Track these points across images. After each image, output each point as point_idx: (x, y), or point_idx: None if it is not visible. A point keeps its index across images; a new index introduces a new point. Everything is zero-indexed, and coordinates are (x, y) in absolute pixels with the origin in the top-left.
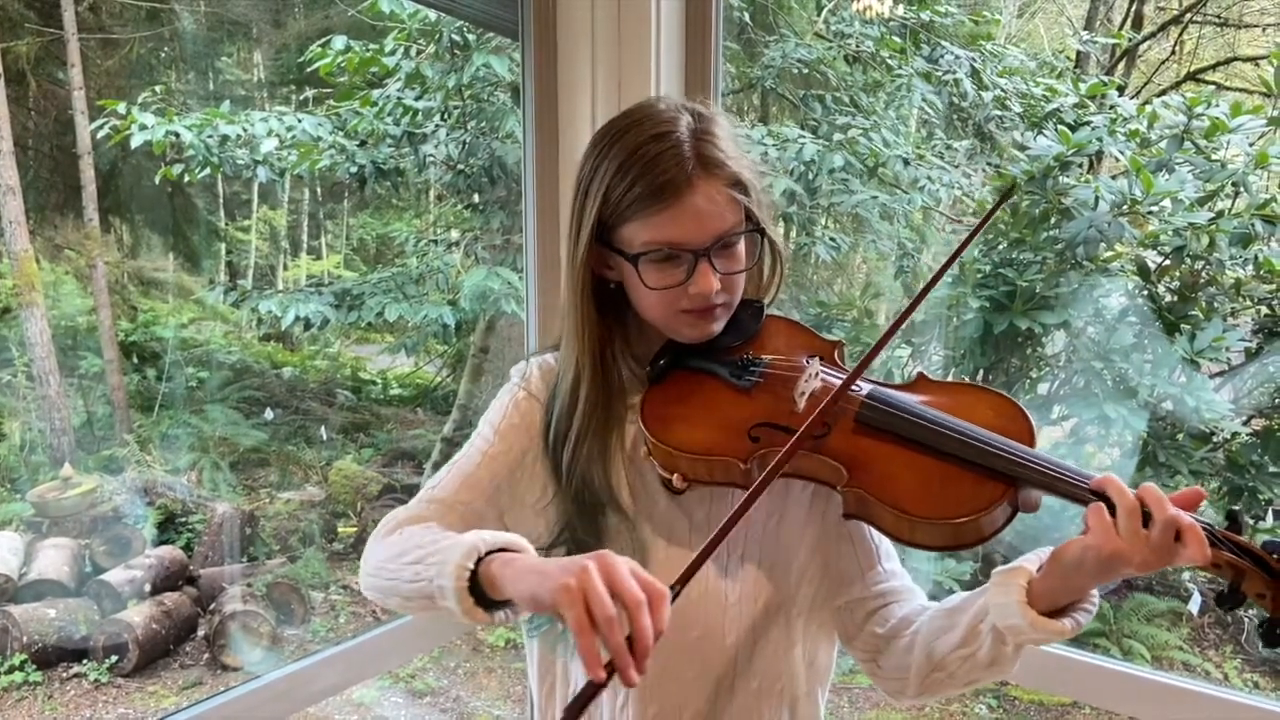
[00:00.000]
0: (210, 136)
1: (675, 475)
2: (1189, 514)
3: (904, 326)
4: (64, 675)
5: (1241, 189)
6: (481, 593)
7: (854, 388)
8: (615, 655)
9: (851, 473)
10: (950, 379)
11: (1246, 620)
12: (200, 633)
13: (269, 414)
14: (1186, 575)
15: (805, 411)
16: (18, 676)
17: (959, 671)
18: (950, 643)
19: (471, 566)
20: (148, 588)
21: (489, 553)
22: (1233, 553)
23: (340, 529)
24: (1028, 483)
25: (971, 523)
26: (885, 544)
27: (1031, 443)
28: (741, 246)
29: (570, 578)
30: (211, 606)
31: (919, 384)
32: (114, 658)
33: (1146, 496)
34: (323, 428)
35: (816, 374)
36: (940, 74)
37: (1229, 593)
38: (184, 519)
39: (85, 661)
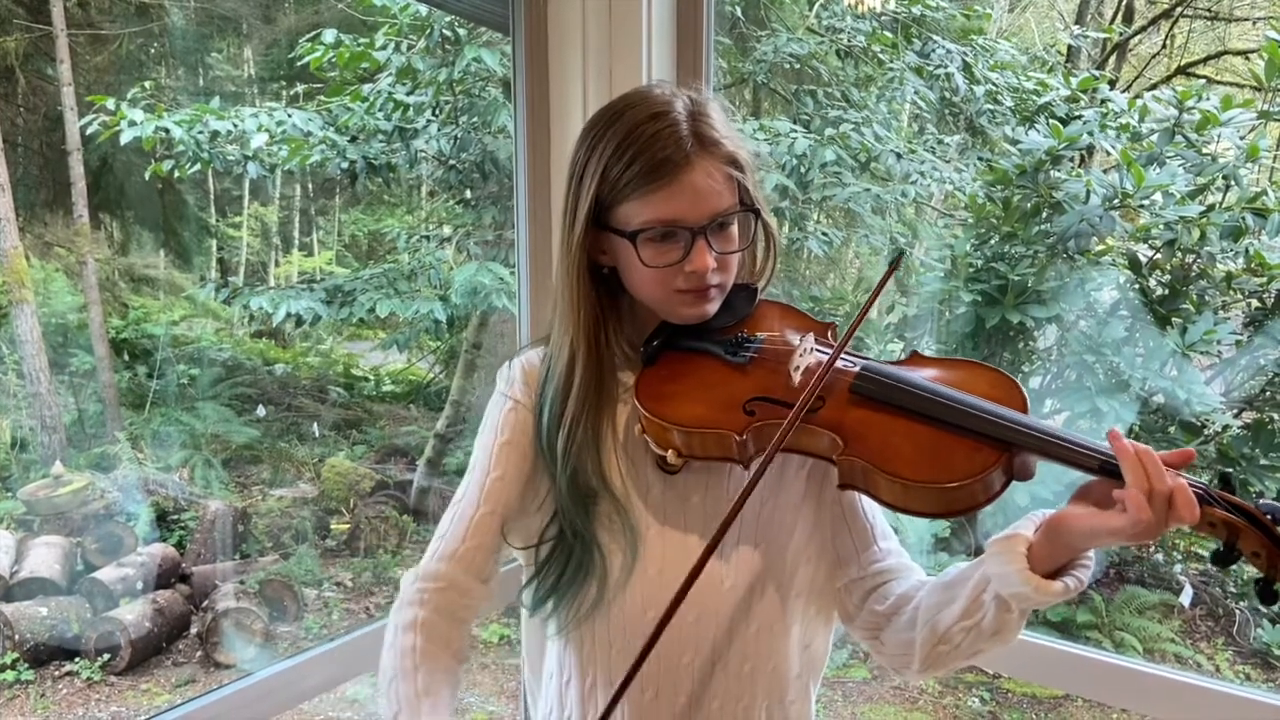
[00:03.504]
0: (200, 132)
1: (670, 451)
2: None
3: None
4: (56, 674)
5: (1232, 182)
6: None
7: (848, 362)
8: None
9: (847, 443)
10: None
11: (1237, 612)
12: (193, 630)
13: (261, 411)
14: (1178, 568)
15: (801, 385)
16: (9, 675)
17: (964, 643)
18: (953, 615)
19: None
20: (140, 585)
21: None
22: (1228, 510)
23: (333, 526)
24: (1023, 448)
25: (966, 488)
26: (881, 522)
27: (1025, 412)
28: (736, 227)
29: None
30: (204, 604)
31: (913, 360)
32: (106, 656)
33: (1149, 467)
34: (315, 424)
35: (810, 349)
36: (932, 68)
37: (1224, 551)
38: (176, 516)
39: (77, 660)
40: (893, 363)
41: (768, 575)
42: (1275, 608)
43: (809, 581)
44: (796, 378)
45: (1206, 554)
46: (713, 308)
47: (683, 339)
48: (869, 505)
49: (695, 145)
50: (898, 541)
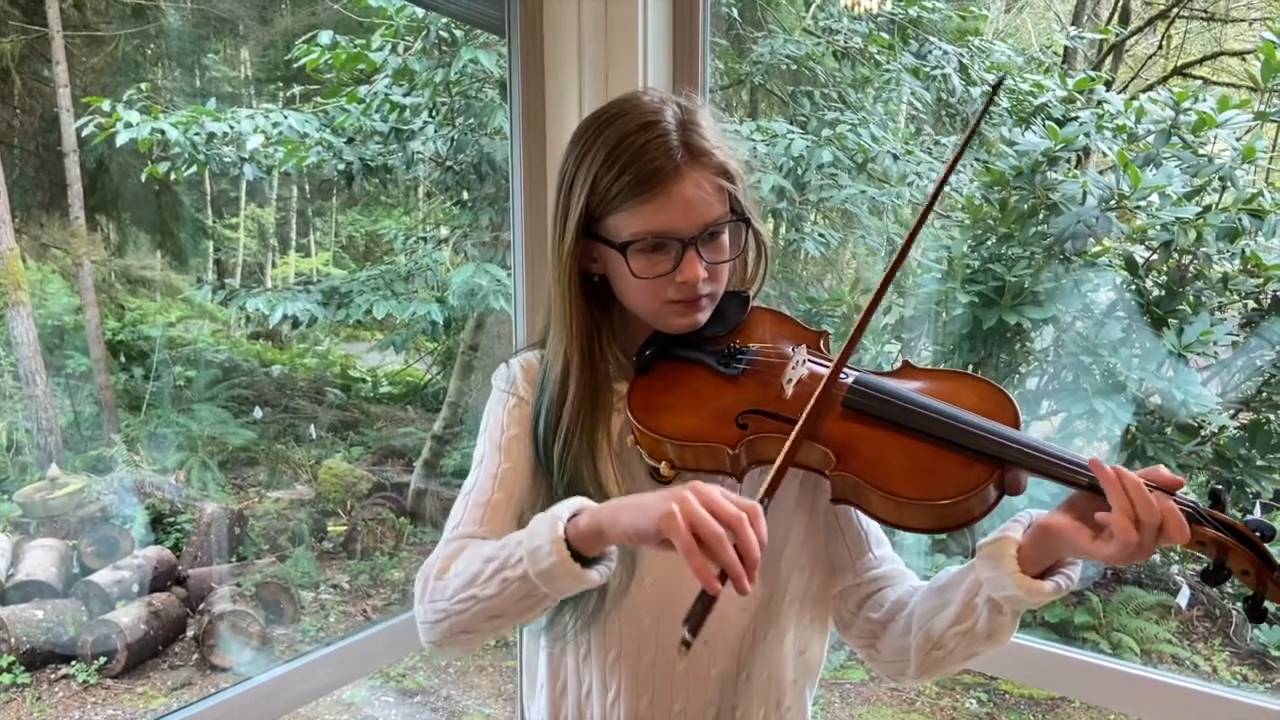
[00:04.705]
0: (196, 134)
1: (663, 463)
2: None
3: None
4: (52, 677)
5: (1228, 183)
6: (578, 556)
7: (842, 374)
8: (729, 568)
9: (840, 457)
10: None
11: (1234, 612)
12: (189, 633)
13: (257, 412)
14: (1175, 569)
15: (794, 398)
16: (5, 678)
17: (958, 647)
18: (946, 619)
19: (564, 533)
20: (136, 588)
21: (570, 517)
22: (1217, 530)
23: (330, 528)
24: (1014, 464)
25: (959, 504)
26: (874, 529)
27: (1017, 425)
28: (727, 236)
29: (673, 504)
30: (200, 606)
31: (904, 371)
32: (102, 659)
33: (1135, 497)
34: (312, 426)
35: (803, 361)
36: (928, 69)
37: (1214, 569)
38: (172, 519)
39: (73, 663)
40: (884, 373)
41: (761, 583)
42: (1265, 624)
43: (803, 589)
44: (789, 390)
45: (1203, 558)
46: (703, 317)
47: (675, 349)
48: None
49: (685, 156)
50: (891, 547)
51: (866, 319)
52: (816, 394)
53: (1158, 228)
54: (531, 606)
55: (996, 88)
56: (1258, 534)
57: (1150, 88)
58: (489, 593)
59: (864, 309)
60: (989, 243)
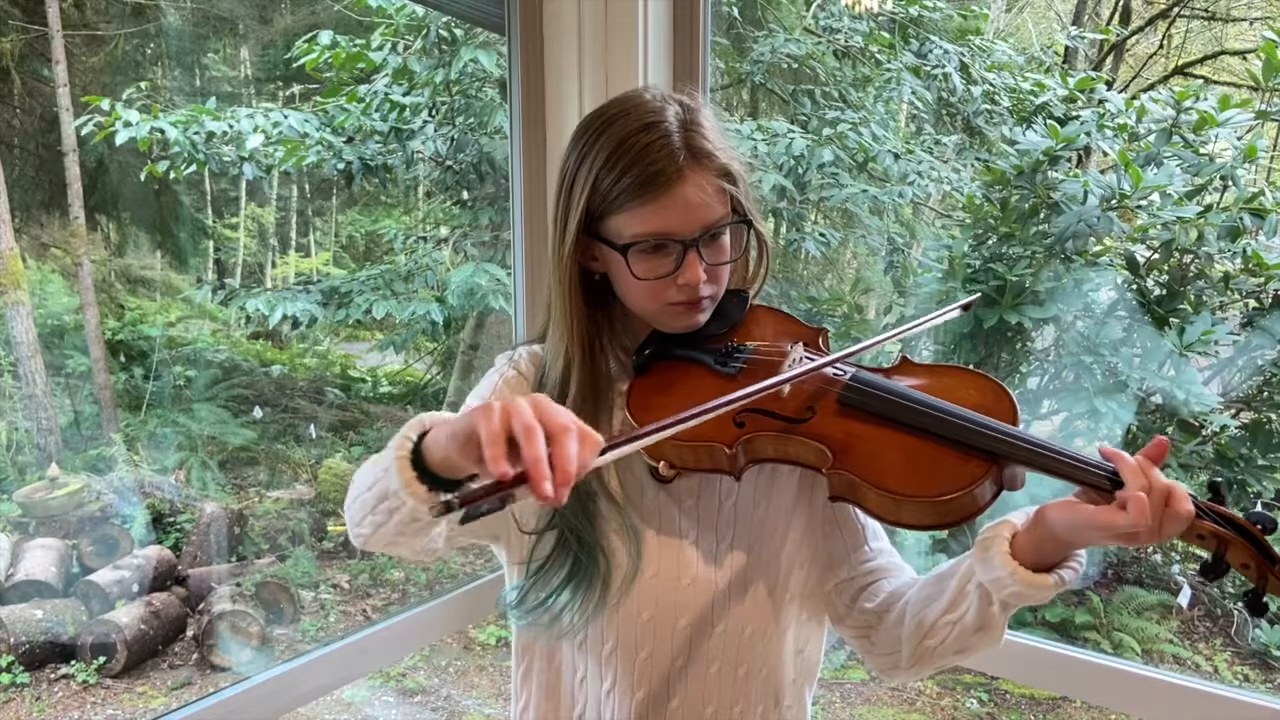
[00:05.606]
0: (196, 133)
1: (662, 463)
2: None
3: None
4: (52, 676)
5: (1229, 182)
6: (430, 474)
7: (838, 371)
8: (531, 463)
9: (836, 455)
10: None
11: (1235, 612)
12: (189, 633)
13: (257, 412)
14: (1176, 569)
15: (790, 396)
16: (5, 678)
17: (949, 638)
18: (939, 608)
19: (414, 437)
20: (136, 588)
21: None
22: (1216, 523)
23: (330, 528)
24: (1011, 459)
25: (956, 500)
26: (872, 524)
27: (1015, 421)
28: (728, 237)
29: (495, 402)
30: (200, 606)
31: (902, 367)
32: (102, 658)
33: (1147, 470)
34: (312, 426)
35: (800, 359)
36: (929, 69)
37: (1213, 563)
38: (172, 518)
39: (73, 662)
40: (882, 370)
41: (761, 579)
42: (1266, 618)
43: (803, 585)
44: (786, 389)
45: (1202, 553)
46: (703, 318)
47: (674, 348)
48: None
49: (687, 157)
50: (889, 542)
51: (868, 348)
52: (810, 369)
53: (1159, 227)
54: (387, 510)
55: (967, 305)
56: (1258, 527)
57: (1151, 87)
58: (365, 482)
59: (866, 341)
60: (990, 242)
